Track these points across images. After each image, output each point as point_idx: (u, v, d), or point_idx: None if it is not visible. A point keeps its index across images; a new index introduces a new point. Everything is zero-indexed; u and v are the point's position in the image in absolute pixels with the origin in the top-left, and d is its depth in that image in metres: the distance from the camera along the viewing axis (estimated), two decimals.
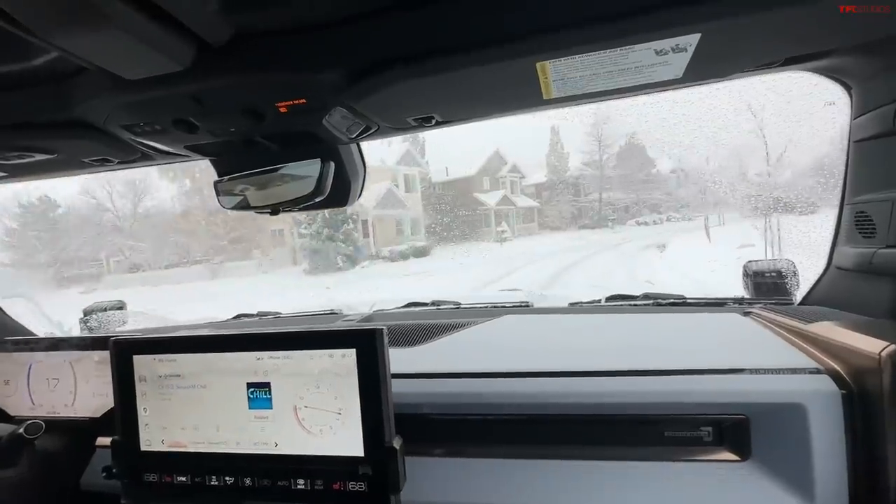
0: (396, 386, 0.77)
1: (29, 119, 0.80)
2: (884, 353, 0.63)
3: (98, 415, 1.02)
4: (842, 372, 0.72)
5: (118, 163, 0.99)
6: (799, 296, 1.16)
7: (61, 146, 0.88)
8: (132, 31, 0.52)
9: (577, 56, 0.60)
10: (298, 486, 0.75)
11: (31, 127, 0.81)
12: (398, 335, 1.10)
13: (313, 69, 0.67)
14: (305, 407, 0.75)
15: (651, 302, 1.27)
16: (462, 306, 1.43)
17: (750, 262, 1.29)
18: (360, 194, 1.03)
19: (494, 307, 1.38)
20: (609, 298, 1.34)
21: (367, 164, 1.02)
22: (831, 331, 0.78)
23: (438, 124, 0.85)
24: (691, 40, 0.57)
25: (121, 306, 1.63)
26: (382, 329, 0.73)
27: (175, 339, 0.81)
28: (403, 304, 1.49)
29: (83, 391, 1.04)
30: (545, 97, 0.72)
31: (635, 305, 1.28)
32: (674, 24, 0.54)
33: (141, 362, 0.82)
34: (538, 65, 0.62)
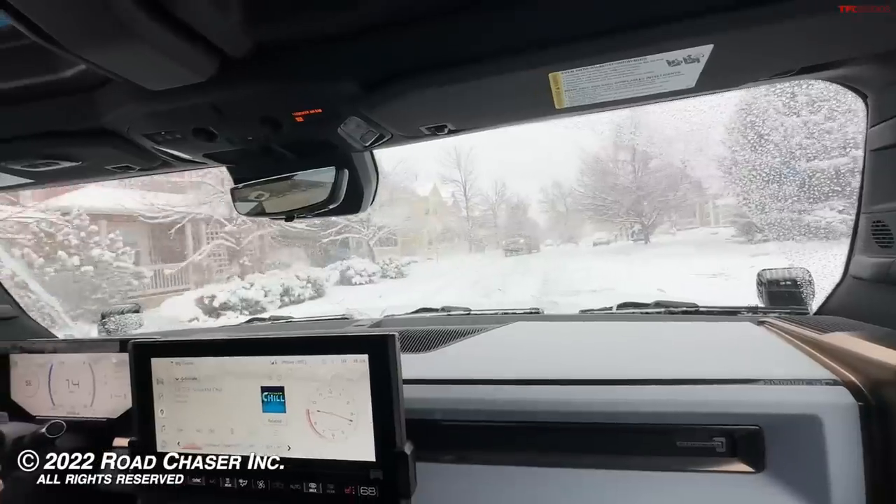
0: (407, 391, 0.77)
1: (57, 128, 0.83)
2: None
3: (115, 416, 1.04)
4: (859, 384, 0.70)
5: (139, 170, 1.01)
6: (814, 305, 1.14)
7: (86, 154, 0.90)
8: (157, 45, 0.54)
9: (589, 67, 0.61)
10: (310, 490, 0.75)
11: (59, 135, 0.84)
12: (408, 340, 1.10)
13: (330, 80, 0.68)
14: (318, 411, 0.76)
15: (663, 310, 1.26)
16: (472, 312, 1.44)
17: (764, 270, 1.28)
18: (372, 201, 1.04)
19: (505, 314, 1.38)
20: (620, 306, 1.34)
21: (379, 172, 1.04)
22: (848, 341, 0.77)
23: (451, 132, 0.86)
24: (704, 51, 0.57)
25: (137, 309, 1.66)
26: (395, 335, 0.73)
27: (192, 342, 0.83)
28: (413, 309, 1.50)
29: (101, 392, 1.06)
30: (557, 107, 0.73)
31: (647, 313, 1.27)
32: (686, 35, 0.55)
33: (159, 365, 0.84)
34: (550, 75, 0.63)
